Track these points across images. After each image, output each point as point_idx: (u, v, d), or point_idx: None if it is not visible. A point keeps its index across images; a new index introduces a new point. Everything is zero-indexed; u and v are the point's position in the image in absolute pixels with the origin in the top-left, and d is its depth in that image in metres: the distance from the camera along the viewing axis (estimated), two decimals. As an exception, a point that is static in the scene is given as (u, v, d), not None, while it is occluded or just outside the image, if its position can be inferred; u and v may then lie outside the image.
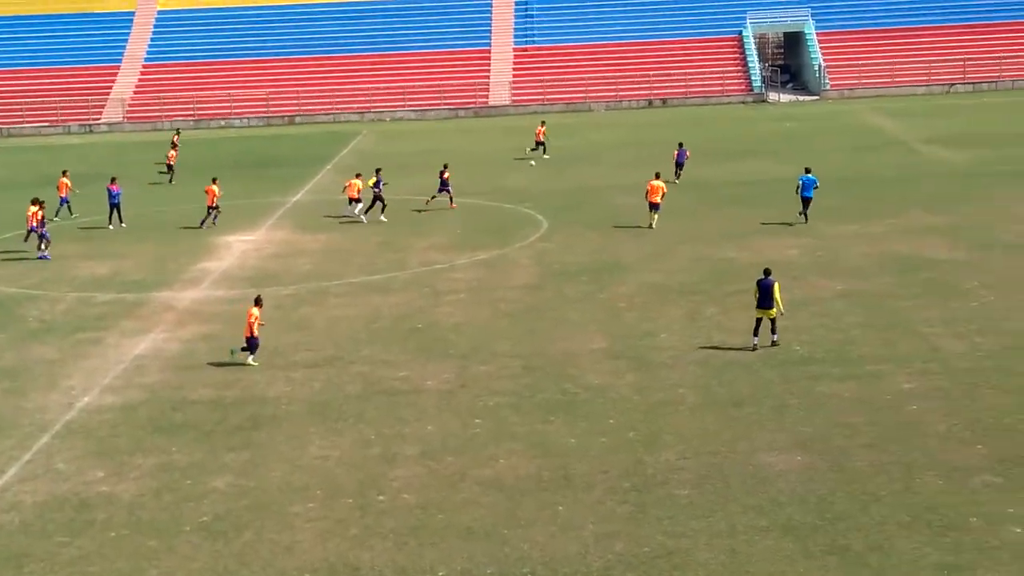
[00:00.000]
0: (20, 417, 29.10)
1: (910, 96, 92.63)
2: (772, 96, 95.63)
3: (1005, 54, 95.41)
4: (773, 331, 31.97)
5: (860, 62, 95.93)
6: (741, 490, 23.17)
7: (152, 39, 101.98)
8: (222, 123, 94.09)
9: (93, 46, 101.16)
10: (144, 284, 42.35)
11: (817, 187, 47.64)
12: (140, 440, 27.31)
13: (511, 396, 29.11)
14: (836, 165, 59.27)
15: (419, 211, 53.11)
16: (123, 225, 52.80)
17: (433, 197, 53.79)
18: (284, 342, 33.96)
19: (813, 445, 25.25)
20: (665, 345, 32.65)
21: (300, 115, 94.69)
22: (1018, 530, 21.02)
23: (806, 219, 47.52)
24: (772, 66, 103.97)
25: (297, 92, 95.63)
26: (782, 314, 32.25)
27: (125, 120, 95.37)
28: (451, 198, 53.85)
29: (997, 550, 20.34)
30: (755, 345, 31.70)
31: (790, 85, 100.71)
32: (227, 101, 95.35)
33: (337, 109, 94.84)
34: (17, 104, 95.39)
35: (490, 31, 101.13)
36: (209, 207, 51.79)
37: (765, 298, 31.67)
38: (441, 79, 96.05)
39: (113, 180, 53.41)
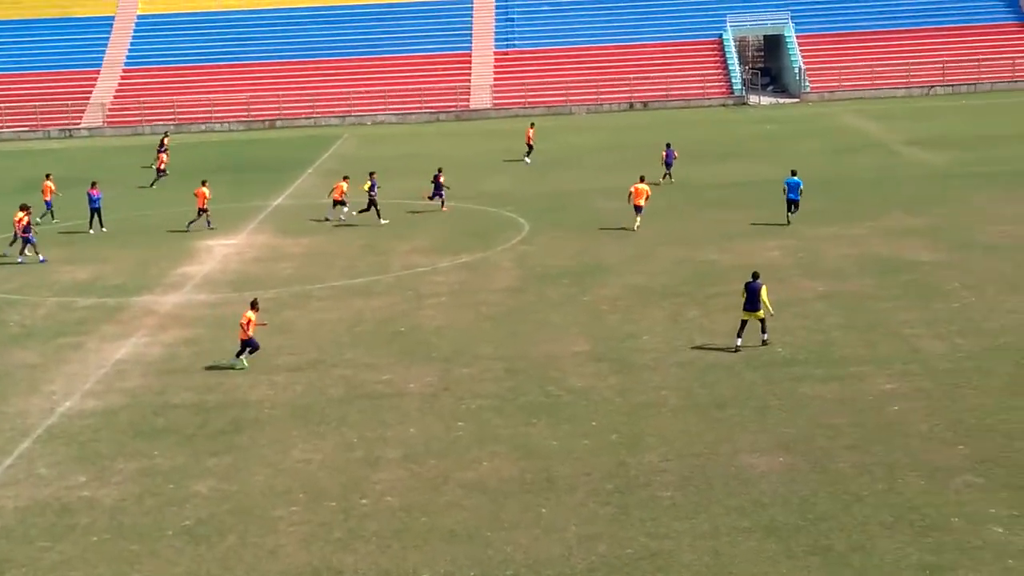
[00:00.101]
0: (1, 422, 28.99)
1: (890, 98, 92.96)
2: (752, 99, 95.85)
3: (984, 57, 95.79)
4: (763, 330, 32.05)
5: (840, 64, 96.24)
6: (724, 491, 23.21)
7: (132, 44, 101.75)
8: (203, 127, 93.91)
9: (73, 51, 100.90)
10: (125, 288, 42.24)
11: (802, 190, 47.78)
12: (122, 445, 27.23)
13: (494, 399, 29.10)
14: (816, 167, 59.42)
15: (413, 212, 53.01)
16: (104, 229, 52.67)
17: (431, 198, 53.86)
18: (266, 346, 33.85)
19: (795, 446, 25.30)
20: (647, 347, 32.69)
21: (281, 119, 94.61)
22: (999, 530, 21.10)
23: (788, 220, 47.66)
24: (752, 69, 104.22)
25: (278, 96, 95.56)
26: (771, 315, 32.33)
27: (105, 125, 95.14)
28: (443, 202, 53.90)
29: (979, 550, 20.42)
30: (738, 347, 31.78)
31: (770, 88, 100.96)
32: (207, 105, 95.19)
33: (318, 113, 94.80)
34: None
35: (471, 35, 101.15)
36: (200, 209, 51.72)
37: (752, 300, 31.76)
38: (422, 83, 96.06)
39: (94, 184, 53.31)
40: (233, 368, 32.12)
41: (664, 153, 59.62)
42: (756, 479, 23.70)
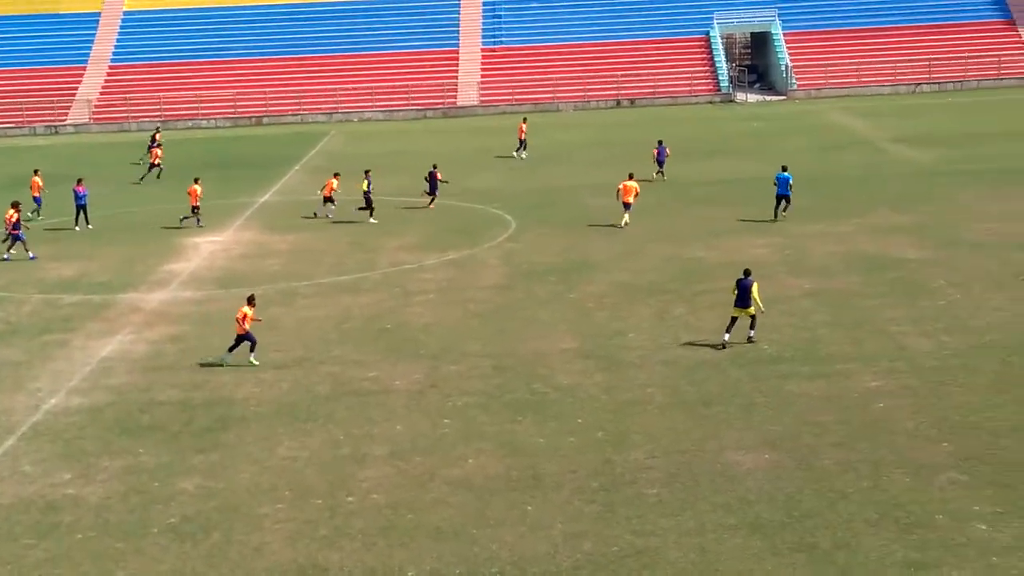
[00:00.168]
0: (-14, 420, 28.94)
1: (876, 96, 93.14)
2: (739, 96, 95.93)
3: (970, 54, 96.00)
4: (752, 327, 32.09)
5: (827, 62, 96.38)
6: (710, 488, 23.24)
7: (118, 40, 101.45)
8: (189, 124, 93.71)
9: (59, 47, 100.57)
10: (111, 286, 42.16)
11: (791, 185, 47.92)
12: (107, 442, 27.18)
13: (480, 396, 29.11)
14: (803, 164, 59.42)
15: (407, 208, 52.93)
16: (90, 226, 52.55)
17: (432, 196, 53.91)
18: (252, 343, 33.86)
19: (781, 443, 25.34)
20: (634, 345, 32.72)
21: (268, 116, 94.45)
22: (983, 527, 21.16)
23: (775, 216, 47.79)
24: (739, 66, 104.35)
25: (265, 93, 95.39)
26: (762, 312, 32.36)
27: (91, 121, 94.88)
28: (433, 199, 53.92)
29: (963, 547, 20.47)
30: (724, 343, 31.82)
31: (757, 85, 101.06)
32: (194, 102, 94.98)
33: (305, 110, 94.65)
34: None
35: (458, 31, 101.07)
36: (193, 207, 51.66)
37: (742, 297, 31.81)
38: (409, 80, 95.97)
39: (79, 181, 53.18)
40: (223, 364, 32.07)
41: (656, 151, 59.69)
42: (742, 476, 23.74)
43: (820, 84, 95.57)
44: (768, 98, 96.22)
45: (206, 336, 35.20)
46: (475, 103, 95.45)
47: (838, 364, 30.30)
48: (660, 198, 53.47)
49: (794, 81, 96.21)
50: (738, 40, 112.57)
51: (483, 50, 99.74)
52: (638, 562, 20.48)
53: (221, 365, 32.03)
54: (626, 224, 47.83)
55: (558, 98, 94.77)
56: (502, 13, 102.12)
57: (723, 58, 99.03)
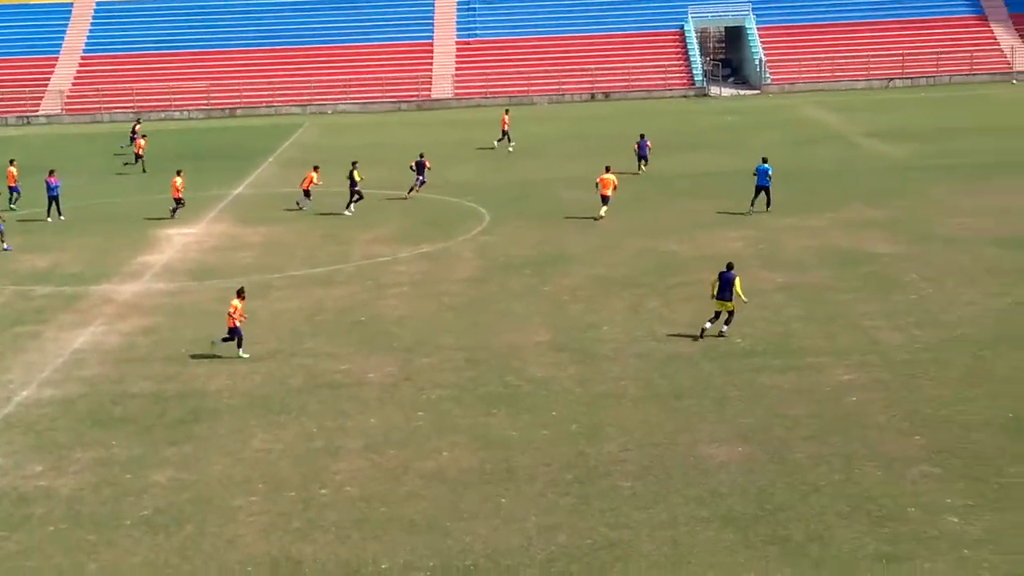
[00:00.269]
0: (-43, 411, 28.79)
1: (849, 90, 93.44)
2: (713, 90, 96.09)
3: (942, 49, 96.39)
4: (727, 322, 32.16)
5: (800, 56, 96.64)
6: (683, 481, 23.29)
7: (91, 30, 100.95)
8: (162, 115, 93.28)
9: (31, 37, 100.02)
10: (83, 277, 41.97)
11: (770, 176, 48.11)
12: (79, 434, 27.08)
13: (454, 389, 29.10)
14: (777, 159, 59.37)
15: (393, 200, 52.87)
16: (62, 218, 52.32)
17: (421, 185, 53.91)
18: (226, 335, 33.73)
19: (754, 436, 25.42)
20: (608, 337, 32.76)
21: (241, 108, 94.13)
22: (955, 520, 21.27)
23: (752, 205, 47.97)
24: (713, 60, 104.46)
25: (238, 84, 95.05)
26: (744, 302, 32.41)
27: (64, 112, 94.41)
28: (412, 188, 53.99)
29: (935, 540, 20.58)
30: (703, 331, 31.91)
31: (731, 79, 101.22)
32: (167, 93, 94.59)
33: (279, 102, 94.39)
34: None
35: (432, 24, 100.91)
36: (175, 199, 51.48)
37: (724, 290, 31.88)
38: (383, 72, 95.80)
39: (51, 172, 52.93)
40: (213, 343, 32.12)
41: (637, 144, 59.78)
42: (715, 469, 23.80)
43: (794, 78, 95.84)
44: (742, 92, 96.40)
45: (179, 328, 35.10)
46: (449, 96, 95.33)
47: (811, 358, 30.40)
48: (635, 192, 53.49)
49: (768, 75, 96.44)
50: (712, 34, 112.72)
51: (457, 43, 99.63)
52: (611, 554, 20.51)
53: (213, 344, 31.99)
54: (602, 216, 47.87)
55: (532, 91, 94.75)
56: (476, 6, 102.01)
57: (697, 52, 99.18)
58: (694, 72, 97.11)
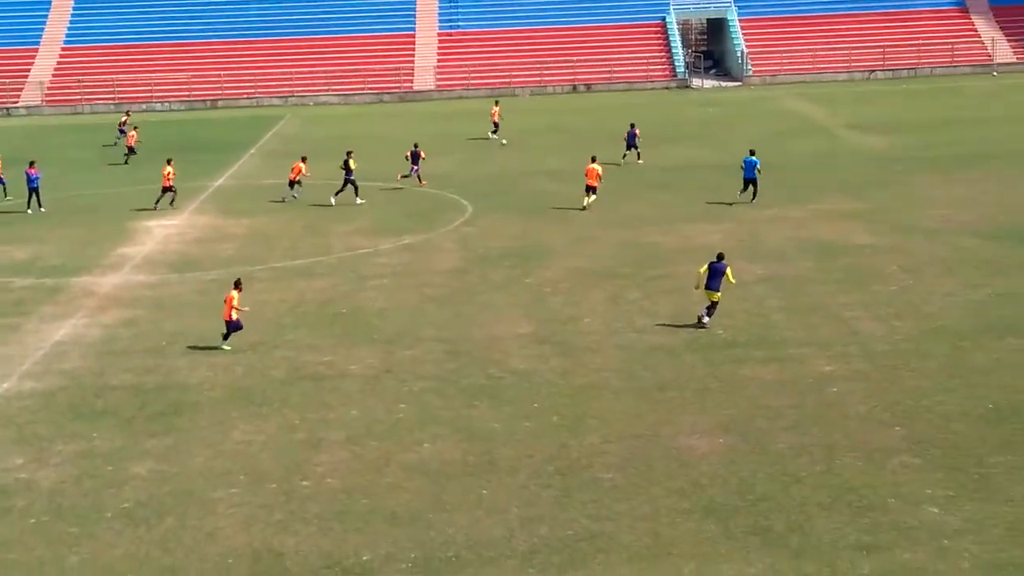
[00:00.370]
0: (-63, 404, 28.68)
1: (831, 82, 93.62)
2: (695, 82, 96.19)
3: (924, 41, 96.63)
4: (709, 313, 32.24)
5: (782, 48, 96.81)
6: (664, 473, 23.33)
7: (71, 21, 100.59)
8: (143, 107, 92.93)
9: (11, 28, 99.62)
10: (64, 269, 41.84)
11: (759, 169, 48.26)
12: (60, 426, 27.00)
13: (436, 381, 29.09)
14: (758, 150, 59.46)
15: (395, 188, 52.76)
16: (42, 209, 52.12)
17: (415, 175, 54.03)
18: (207, 327, 33.68)
19: (735, 428, 25.47)
20: (589, 329, 32.78)
21: (222, 99, 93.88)
22: (935, 510, 21.35)
23: (753, 198, 48.10)
24: (695, 52, 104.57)
25: (219, 76, 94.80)
26: (731, 283, 32.45)
27: (44, 103, 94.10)
28: (403, 175, 54.15)
29: (914, 530, 20.65)
30: (707, 320, 32.12)
31: (713, 71, 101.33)
32: (148, 85, 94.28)
33: (260, 93, 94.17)
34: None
35: (414, 16, 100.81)
36: (169, 188, 51.36)
37: (714, 279, 31.99)
38: (365, 64, 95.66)
39: (32, 164, 52.72)
40: (223, 348, 31.94)
41: (627, 134, 59.84)
42: (696, 460, 23.84)
43: (775, 70, 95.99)
44: (724, 84, 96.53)
45: (160, 321, 35.02)
46: (431, 87, 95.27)
47: (792, 349, 30.47)
48: (616, 183, 53.49)
49: (750, 67, 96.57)
50: (694, 26, 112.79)
51: (439, 34, 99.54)
52: (593, 546, 20.54)
53: (226, 349, 31.79)
54: (587, 207, 47.95)
55: (514, 83, 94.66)
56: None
57: (679, 44, 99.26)
58: (676, 64, 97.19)
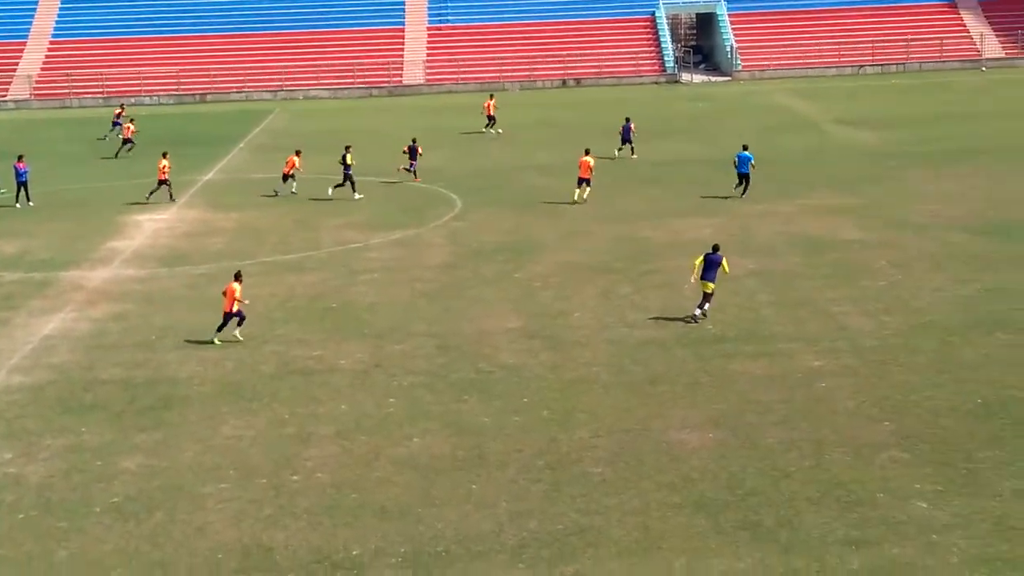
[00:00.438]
0: (-75, 398, 28.62)
1: (820, 77, 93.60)
2: (685, 77, 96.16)
3: (912, 37, 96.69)
4: (701, 304, 32.30)
5: (771, 43, 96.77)
6: (654, 467, 23.36)
7: (60, 14, 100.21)
8: (132, 101, 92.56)
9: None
10: (53, 263, 41.76)
11: (753, 164, 48.36)
12: (49, 421, 26.96)
13: (426, 375, 29.10)
14: (748, 145, 59.59)
15: (392, 183, 52.73)
16: (31, 203, 52.01)
17: (411, 171, 53.95)
18: (196, 321, 33.66)
19: (725, 422, 25.51)
20: (579, 324, 32.80)
21: (212, 93, 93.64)
22: (923, 505, 21.41)
23: (744, 193, 48.19)
24: (685, 47, 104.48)
25: (209, 70, 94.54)
26: (725, 272, 32.52)
27: (32, 97, 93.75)
28: (404, 168, 54.36)
29: (903, 525, 20.71)
30: (695, 316, 32.15)
31: (702, 66, 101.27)
32: (137, 79, 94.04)
33: (249, 87, 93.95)
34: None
35: (404, 10, 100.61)
36: (165, 181, 51.29)
37: (709, 271, 32.12)
38: (355, 58, 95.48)
39: (20, 158, 52.61)
40: (213, 343, 31.87)
41: (622, 128, 59.86)
42: (686, 455, 23.88)
43: (765, 65, 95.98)
44: (713, 79, 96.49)
45: (149, 315, 34.97)
46: (421, 82, 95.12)
47: (781, 344, 30.52)
48: (606, 178, 53.48)
49: (739, 62, 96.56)
50: (683, 21, 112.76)
51: (429, 29, 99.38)
52: (582, 540, 20.57)
53: (240, 339, 31.76)
54: (578, 200, 48.04)
55: (504, 78, 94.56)
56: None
57: (668, 39, 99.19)
58: (665, 59, 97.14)
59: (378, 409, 27.01)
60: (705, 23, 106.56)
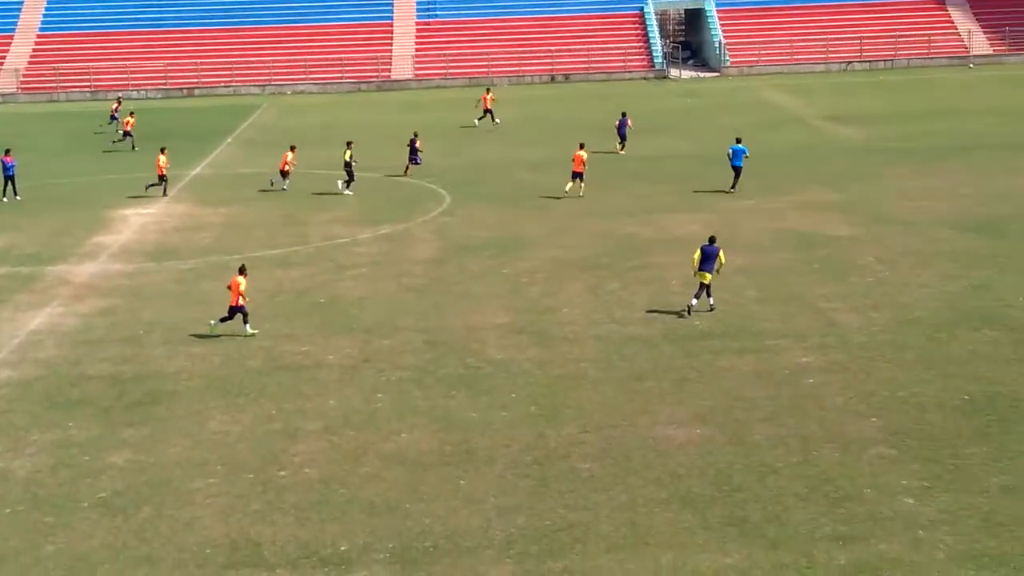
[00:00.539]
0: (-88, 393, 28.54)
1: (808, 73, 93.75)
2: (673, 72, 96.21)
3: (900, 33, 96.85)
4: (699, 294, 32.41)
5: (760, 39, 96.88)
6: (641, 463, 23.38)
7: (47, 8, 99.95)
8: (119, 95, 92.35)
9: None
10: (40, 257, 41.66)
11: (747, 156, 48.47)
12: (36, 416, 26.91)
13: (414, 371, 29.08)
14: (741, 138, 59.79)
15: (391, 176, 52.66)
16: (18, 198, 51.89)
17: (416, 163, 54.03)
18: (184, 317, 33.62)
19: (712, 418, 25.54)
20: (567, 320, 32.81)
21: (199, 87, 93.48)
22: (910, 501, 21.45)
23: (734, 185, 48.30)
24: (673, 42, 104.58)
25: (196, 64, 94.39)
26: (721, 263, 32.60)
27: (20, 91, 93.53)
28: (408, 168, 54.07)
29: (890, 520, 20.75)
30: (690, 308, 32.26)
31: (691, 61, 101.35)
32: (124, 72, 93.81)
33: (237, 81, 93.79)
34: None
35: (392, 4, 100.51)
36: (164, 177, 51.23)
37: (706, 263, 32.22)
38: (343, 52, 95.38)
39: (7, 152, 52.48)
40: (211, 327, 31.79)
41: (617, 123, 59.89)
42: (673, 451, 23.90)
43: (753, 61, 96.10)
44: (702, 75, 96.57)
45: (137, 310, 34.91)
46: (409, 76, 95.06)
47: (769, 340, 30.55)
48: (594, 174, 53.47)
49: (727, 58, 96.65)
50: (672, 16, 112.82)
51: (417, 24, 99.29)
52: (570, 536, 20.58)
53: (253, 333, 31.67)
54: (569, 192, 48.13)
55: (493, 73, 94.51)
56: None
57: (657, 34, 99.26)
58: (654, 54, 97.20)
59: (366, 404, 27.00)
60: (694, 19, 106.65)
